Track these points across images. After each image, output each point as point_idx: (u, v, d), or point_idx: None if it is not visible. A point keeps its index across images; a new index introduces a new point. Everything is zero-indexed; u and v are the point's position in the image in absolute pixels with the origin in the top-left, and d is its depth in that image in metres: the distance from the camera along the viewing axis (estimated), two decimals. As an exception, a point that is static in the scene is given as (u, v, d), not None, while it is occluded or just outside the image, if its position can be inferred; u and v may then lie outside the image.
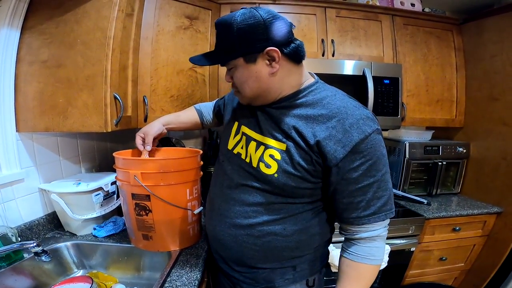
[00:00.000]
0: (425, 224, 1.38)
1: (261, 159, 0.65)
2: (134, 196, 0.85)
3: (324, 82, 0.71)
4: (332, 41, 1.45)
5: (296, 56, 0.63)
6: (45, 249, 0.75)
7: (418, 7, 1.62)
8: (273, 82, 0.64)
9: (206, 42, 1.33)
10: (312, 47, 1.45)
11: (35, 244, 0.73)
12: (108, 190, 1.05)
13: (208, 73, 1.33)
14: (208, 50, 1.34)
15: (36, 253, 0.74)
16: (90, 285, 0.77)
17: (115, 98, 0.91)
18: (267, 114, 0.68)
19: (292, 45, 0.61)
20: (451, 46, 1.62)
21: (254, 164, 0.66)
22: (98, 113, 0.87)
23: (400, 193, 1.58)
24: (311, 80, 0.69)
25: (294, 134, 0.62)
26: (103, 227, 1.02)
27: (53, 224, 1.05)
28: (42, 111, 0.90)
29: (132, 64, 1.03)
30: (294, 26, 0.63)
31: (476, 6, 1.69)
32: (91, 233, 1.03)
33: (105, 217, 1.07)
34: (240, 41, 0.59)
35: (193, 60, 0.67)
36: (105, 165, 1.39)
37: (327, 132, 0.59)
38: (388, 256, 1.26)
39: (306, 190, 0.65)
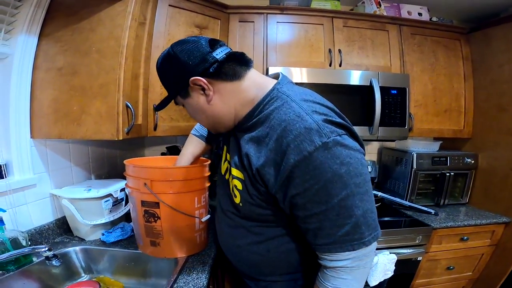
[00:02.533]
0: (433, 233, 1.36)
1: (232, 187, 0.63)
2: (143, 203, 0.86)
3: (289, 82, 0.60)
4: (340, 51, 1.46)
5: (225, 73, 0.55)
6: (55, 253, 0.76)
7: (425, 17, 1.63)
8: (218, 109, 0.59)
9: (215, 50, 1.35)
10: (319, 57, 1.46)
11: (46, 248, 0.74)
12: (117, 197, 1.06)
13: (217, 81, 1.35)
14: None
15: (47, 258, 0.75)
16: None
17: (127, 106, 0.92)
18: (235, 139, 0.63)
19: (215, 64, 0.54)
20: (459, 55, 1.62)
21: (231, 192, 0.65)
22: (111, 121, 0.89)
23: (407, 203, 1.57)
24: (266, 89, 0.57)
25: (246, 162, 0.57)
26: (111, 232, 1.03)
27: (62, 229, 1.06)
28: (57, 118, 0.92)
29: (143, 72, 1.05)
30: (217, 40, 0.58)
31: (484, 15, 1.69)
32: (100, 238, 1.04)
33: (113, 223, 1.08)
34: (168, 81, 0.60)
35: (157, 108, 0.67)
36: (114, 172, 1.41)
37: (265, 157, 0.52)
38: (395, 265, 1.25)
39: (270, 217, 0.61)
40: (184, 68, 0.55)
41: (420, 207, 1.53)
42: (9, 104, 0.88)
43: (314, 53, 1.45)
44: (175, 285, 0.78)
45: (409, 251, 1.35)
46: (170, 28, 1.17)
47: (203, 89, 0.57)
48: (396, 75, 1.48)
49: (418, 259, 1.38)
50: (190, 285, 0.78)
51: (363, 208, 0.50)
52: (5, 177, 0.87)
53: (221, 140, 0.77)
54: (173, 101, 0.64)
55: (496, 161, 1.54)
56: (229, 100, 0.58)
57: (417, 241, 1.35)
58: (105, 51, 0.90)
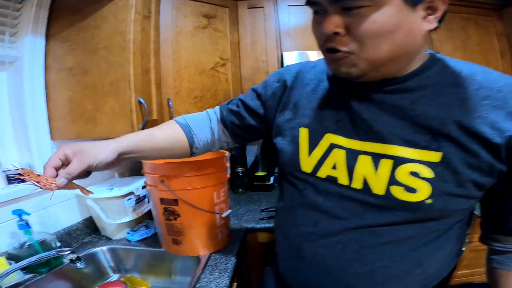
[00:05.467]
0: (477, 222, 1.23)
1: (393, 181, 0.43)
2: (162, 200, 0.85)
3: None
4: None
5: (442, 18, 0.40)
6: (80, 255, 0.76)
7: (451, -9, 1.46)
8: (417, 45, 0.41)
9: (226, 41, 1.30)
10: None
11: (70, 251, 0.74)
12: (139, 194, 1.06)
13: (231, 72, 1.30)
14: (229, 49, 1.31)
15: (71, 260, 0.75)
16: None
17: (140, 102, 0.90)
18: (381, 104, 0.44)
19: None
20: (492, 31, 1.48)
21: (380, 191, 0.44)
22: (125, 119, 0.87)
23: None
24: None
25: (456, 133, 0.40)
26: (136, 231, 1.03)
27: (90, 228, 1.08)
28: (73, 119, 0.92)
29: (154, 67, 1.02)
30: None
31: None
32: (125, 237, 1.04)
33: (137, 221, 1.08)
34: None
35: None
36: (136, 169, 1.42)
37: None
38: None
39: (464, 210, 0.46)
40: None
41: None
42: (25, 107, 0.89)
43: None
44: (198, 285, 0.76)
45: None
46: (177, 20, 1.14)
47: (431, 14, 0.39)
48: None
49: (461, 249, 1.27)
50: (212, 285, 0.75)
51: None
52: (30, 180, 0.88)
53: (290, 123, 0.55)
54: None
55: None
56: (424, 44, 0.42)
57: (460, 230, 1.24)
58: (112, 47, 0.88)
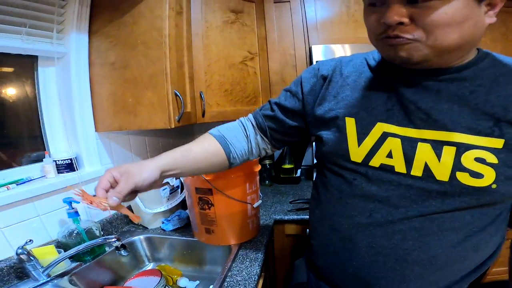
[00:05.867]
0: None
1: (458, 167, 0.43)
2: (197, 190, 0.87)
3: None
4: None
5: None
6: (123, 243, 0.79)
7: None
8: (479, 37, 0.43)
9: (254, 35, 1.31)
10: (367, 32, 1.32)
11: (115, 239, 0.77)
12: (173, 185, 1.10)
13: (259, 66, 1.31)
14: (257, 44, 1.32)
15: (117, 247, 0.78)
16: (159, 278, 0.82)
17: (176, 95, 0.93)
18: (439, 93, 0.45)
19: None
20: None
21: (444, 177, 0.44)
22: (162, 110, 0.91)
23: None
24: None
25: None
26: (169, 220, 1.07)
27: (128, 218, 1.13)
28: (116, 111, 0.97)
29: (187, 61, 1.05)
30: None
31: None
32: (160, 226, 1.08)
33: (171, 211, 1.12)
34: None
35: None
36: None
37: None
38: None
39: None
40: None
41: None
42: (73, 101, 0.95)
43: (360, 28, 1.32)
44: (229, 273, 0.78)
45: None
46: (206, 15, 1.16)
47: (491, 9, 0.43)
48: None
49: (498, 245, 1.20)
50: (244, 273, 0.77)
51: None
52: (77, 169, 0.94)
53: (333, 113, 0.54)
54: None
55: None
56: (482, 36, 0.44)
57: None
58: (149, 42, 0.91)
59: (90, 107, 1.00)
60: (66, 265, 0.79)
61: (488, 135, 0.42)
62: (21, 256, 0.69)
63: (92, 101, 1.00)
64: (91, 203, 0.48)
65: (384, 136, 0.48)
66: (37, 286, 0.71)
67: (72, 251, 0.75)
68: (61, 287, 0.73)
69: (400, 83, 0.48)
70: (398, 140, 0.47)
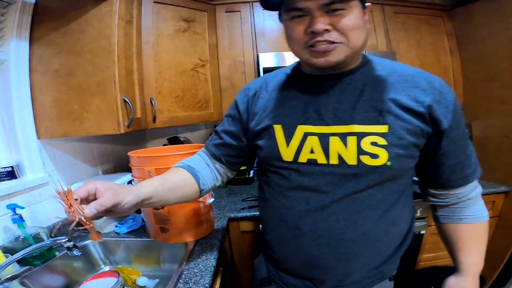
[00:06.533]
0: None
1: (360, 151, 0.53)
2: (149, 191, 0.91)
3: None
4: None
5: None
6: (75, 244, 0.77)
7: (408, -6, 1.63)
8: (367, 41, 0.55)
9: (205, 43, 1.38)
10: None
11: (67, 239, 0.75)
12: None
13: (210, 72, 1.38)
14: (208, 51, 1.38)
15: (68, 248, 0.76)
16: (117, 279, 0.80)
17: (125, 101, 0.96)
18: (341, 94, 0.56)
19: None
20: (443, 31, 1.65)
21: (352, 161, 0.54)
22: (111, 117, 0.93)
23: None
24: None
25: (393, 108, 0.53)
26: (123, 224, 1.08)
27: (78, 223, 1.11)
28: (60, 118, 0.96)
29: (137, 68, 1.07)
30: None
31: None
32: (114, 230, 1.08)
33: (124, 216, 1.13)
34: None
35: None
36: (119, 166, 1.46)
37: (429, 96, 0.53)
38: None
39: (411, 170, 0.59)
40: None
41: (416, 178, 1.56)
42: (13, 108, 0.92)
43: None
44: (187, 267, 0.81)
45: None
46: (157, 24, 1.20)
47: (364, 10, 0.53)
48: (383, 53, 1.50)
49: (421, 232, 1.37)
50: (200, 266, 0.81)
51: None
52: (18, 177, 0.91)
53: (263, 125, 0.62)
54: None
55: (490, 130, 1.56)
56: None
57: (418, 214, 1.35)
58: (97, 50, 0.92)
59: (31, 114, 0.97)
60: (14, 269, 0.77)
61: (375, 124, 0.53)
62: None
63: (34, 108, 0.97)
64: (70, 206, 0.45)
65: (305, 136, 0.57)
66: (-14, 290, 0.68)
67: (20, 254, 0.72)
68: (13, 290, 0.71)
69: (312, 89, 0.59)
70: (316, 138, 0.56)
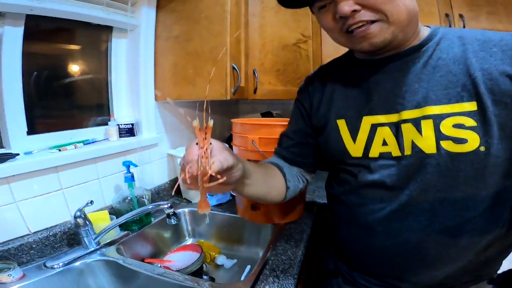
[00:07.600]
0: None
1: (439, 136, 0.45)
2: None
3: None
4: (461, 15, 1.19)
5: None
6: (175, 211, 0.78)
7: None
8: (416, 8, 0.47)
9: (308, 19, 1.28)
10: (433, 22, 1.21)
11: (169, 204, 0.76)
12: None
13: (312, 49, 1.28)
14: (311, 27, 1.29)
15: (168, 215, 0.78)
16: (199, 254, 0.80)
17: (233, 68, 0.95)
18: (405, 75, 0.49)
19: None
20: None
21: (431, 150, 0.46)
22: (220, 82, 0.93)
23: None
24: None
25: (480, 80, 0.44)
26: (213, 195, 1.09)
27: (175, 190, 1.17)
28: (176, 82, 1.02)
29: (244, 38, 1.07)
30: None
31: None
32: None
33: (217, 185, 1.13)
34: None
35: None
36: (219, 136, 1.48)
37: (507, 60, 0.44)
38: None
39: None
40: None
41: None
42: (139, 71, 1.01)
43: (425, 17, 1.22)
44: (274, 252, 0.75)
45: None
46: (264, -5, 1.16)
47: None
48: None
49: None
50: (289, 253, 0.75)
51: None
52: (136, 135, 1.00)
53: (324, 122, 0.58)
54: None
55: None
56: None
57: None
58: (212, 17, 0.94)
59: (152, 77, 1.05)
60: (115, 234, 0.80)
61: (458, 101, 0.45)
62: (78, 220, 0.69)
63: (155, 71, 1.06)
64: (205, 150, 0.37)
65: (374, 127, 0.51)
66: (87, 253, 0.71)
67: (122, 218, 0.75)
68: (108, 256, 0.72)
69: (372, 74, 0.52)
70: (387, 128, 0.50)
